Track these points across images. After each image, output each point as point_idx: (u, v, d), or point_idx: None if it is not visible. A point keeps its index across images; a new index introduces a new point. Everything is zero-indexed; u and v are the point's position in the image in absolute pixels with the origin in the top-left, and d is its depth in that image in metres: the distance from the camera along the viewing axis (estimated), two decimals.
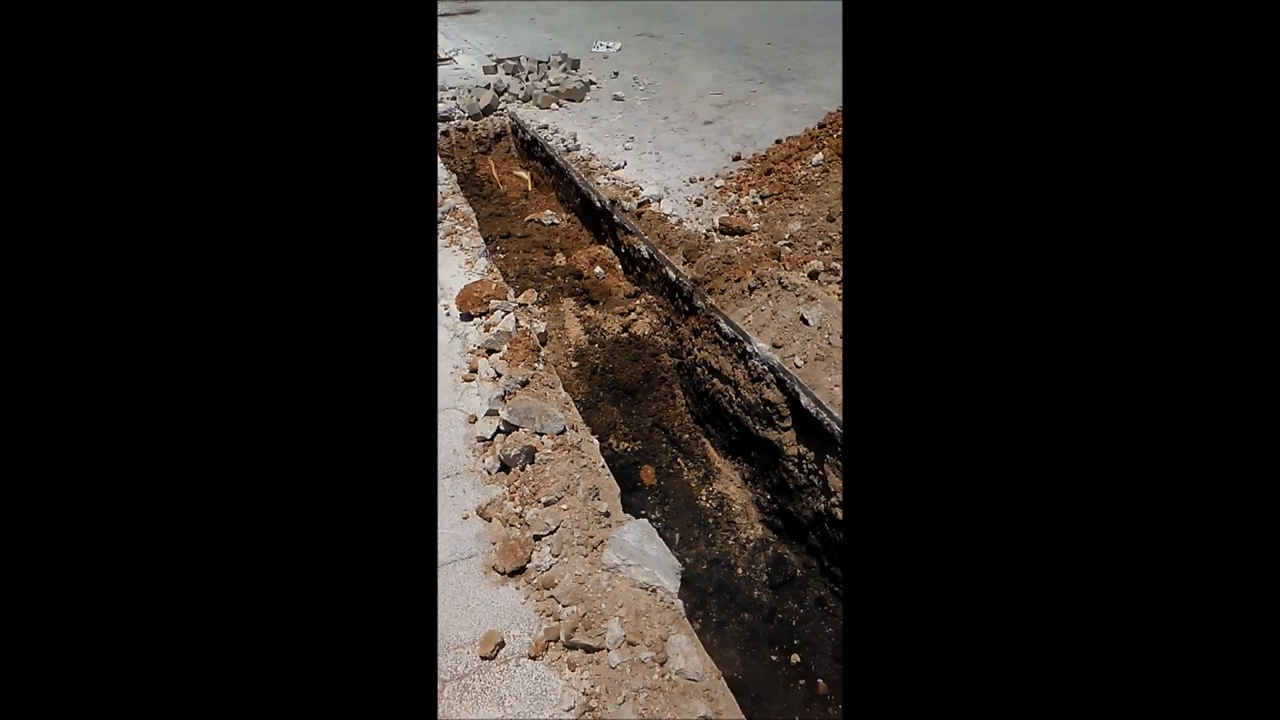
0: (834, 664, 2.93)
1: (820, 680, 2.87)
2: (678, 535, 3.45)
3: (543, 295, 4.53)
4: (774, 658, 2.96)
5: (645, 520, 2.41)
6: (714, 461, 3.80)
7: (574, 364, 4.19)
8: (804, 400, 3.00)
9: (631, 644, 2.03)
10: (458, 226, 4.56)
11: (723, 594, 3.22)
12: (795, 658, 2.95)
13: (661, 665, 2.00)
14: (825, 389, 2.94)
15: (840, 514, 2.91)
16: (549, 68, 7.86)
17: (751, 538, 3.44)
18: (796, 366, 3.08)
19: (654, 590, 2.19)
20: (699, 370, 3.83)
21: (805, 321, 3.19)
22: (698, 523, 3.52)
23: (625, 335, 4.29)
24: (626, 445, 3.86)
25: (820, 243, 3.77)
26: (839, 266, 3.56)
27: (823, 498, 3.02)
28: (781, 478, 3.29)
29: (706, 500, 3.62)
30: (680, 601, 2.22)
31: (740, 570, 3.31)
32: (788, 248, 3.81)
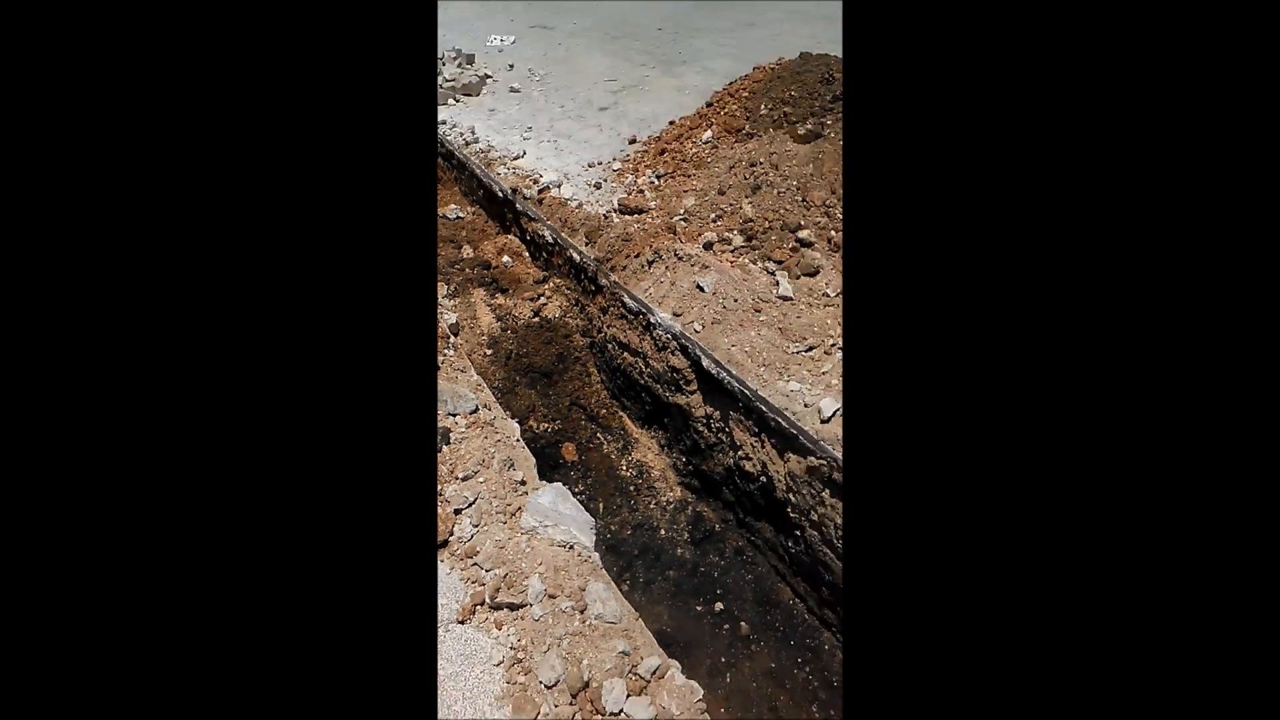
0: (754, 608, 3.12)
1: (743, 623, 3.06)
2: (601, 505, 3.58)
3: (452, 287, 4.57)
4: (699, 608, 3.13)
5: (559, 484, 2.53)
6: (631, 432, 3.94)
7: (488, 351, 4.26)
8: (705, 362, 3.17)
9: (552, 596, 2.15)
10: None
11: (648, 555, 3.37)
12: (719, 606, 3.13)
13: (581, 613, 2.13)
14: (723, 350, 3.12)
15: (747, 466, 3.10)
16: (444, 64, 7.80)
17: (671, 500, 3.60)
18: (696, 331, 3.25)
19: (571, 547, 2.32)
20: (610, 346, 3.97)
21: (701, 289, 3.37)
22: (620, 491, 3.66)
23: (536, 319, 4.38)
24: (546, 425, 3.96)
25: (713, 215, 3.95)
26: (730, 236, 3.75)
27: (731, 453, 3.21)
28: (693, 439, 3.47)
29: (627, 470, 3.77)
30: (596, 554, 2.35)
31: (663, 531, 3.47)
32: (683, 222, 3.97)
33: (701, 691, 1.97)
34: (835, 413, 2.69)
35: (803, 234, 3.64)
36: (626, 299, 3.71)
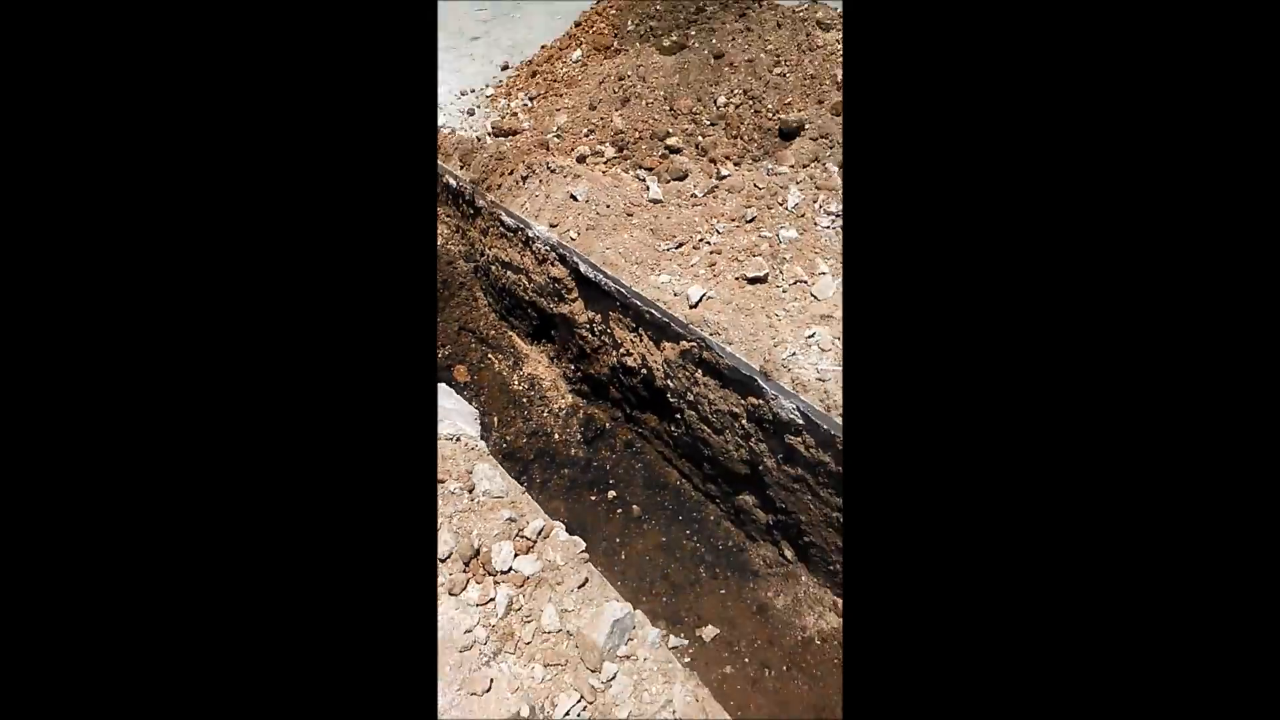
0: (645, 491, 3.34)
1: (634, 506, 3.27)
2: (496, 418, 3.69)
3: None
4: (593, 498, 3.33)
5: (441, 383, 2.62)
6: (521, 349, 4.04)
7: None
8: (583, 268, 3.29)
9: (441, 482, 2.27)
10: None
11: (543, 458, 3.52)
12: (612, 494, 3.33)
13: (470, 492, 2.25)
14: (598, 253, 3.24)
15: (629, 361, 3.27)
16: None
17: (563, 406, 3.75)
18: (572, 239, 3.35)
19: (458, 438, 2.43)
20: (494, 268, 4.02)
21: (574, 198, 3.46)
22: (513, 404, 3.78)
23: None
24: (436, 352, 4.01)
25: (585, 130, 4.02)
26: (603, 149, 3.84)
27: (614, 352, 3.36)
28: (579, 346, 3.60)
29: (519, 384, 3.88)
30: (483, 443, 2.47)
31: (556, 435, 3.63)
32: (556, 139, 4.03)
33: (584, 544, 2.15)
34: (702, 297, 2.87)
35: (671, 141, 3.77)
36: (505, 217, 3.76)
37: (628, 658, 1.85)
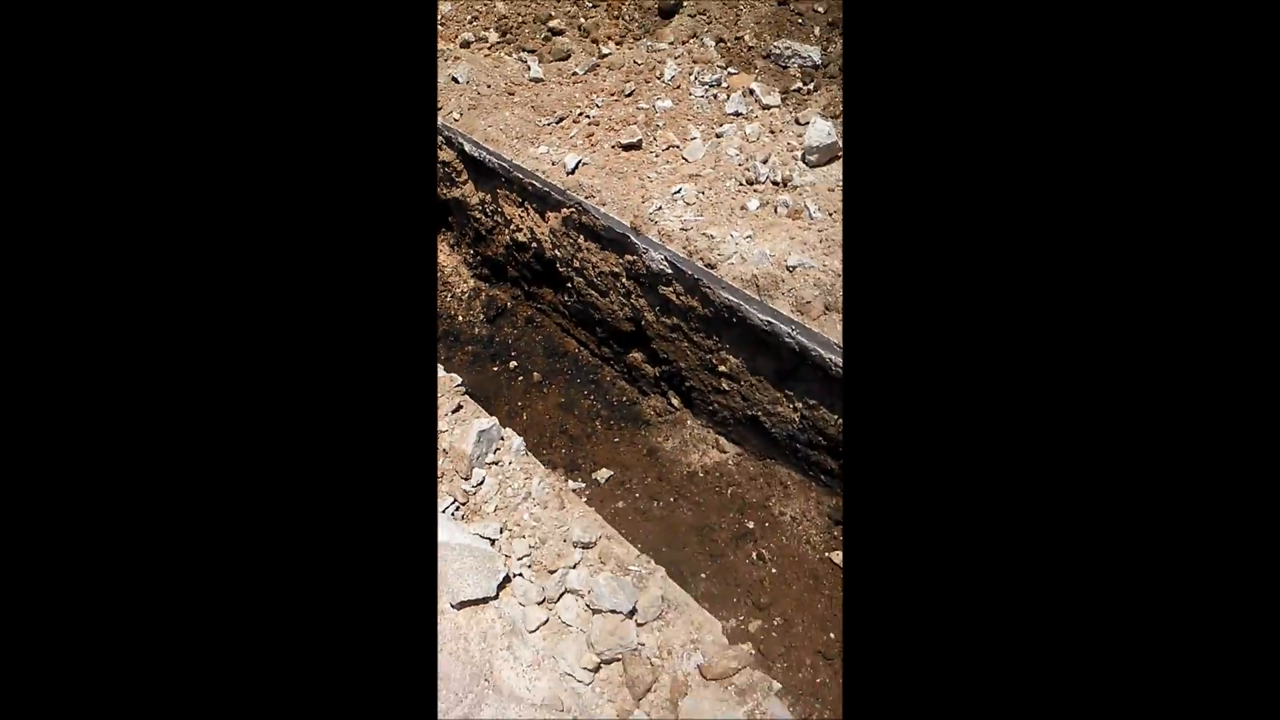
0: (545, 360, 3.54)
1: (535, 374, 3.48)
2: None
3: None
4: (496, 369, 3.52)
5: None
6: None
7: None
8: (468, 148, 3.38)
9: None
10: None
11: (448, 338, 3.68)
12: (514, 364, 3.53)
13: None
14: (481, 131, 3.33)
15: (520, 237, 3.41)
16: None
17: (465, 290, 3.89)
18: (455, 119, 3.43)
19: None
20: None
21: (456, 80, 3.52)
22: None
23: None
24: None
25: (469, 17, 4.03)
26: (486, 34, 3.87)
27: (506, 230, 3.50)
28: (475, 230, 3.72)
29: None
30: None
31: (460, 317, 3.78)
32: (439, 27, 4.03)
33: (460, 379, 2.34)
34: (578, 164, 3.01)
35: (553, 23, 3.82)
36: None
37: (494, 464, 2.07)
